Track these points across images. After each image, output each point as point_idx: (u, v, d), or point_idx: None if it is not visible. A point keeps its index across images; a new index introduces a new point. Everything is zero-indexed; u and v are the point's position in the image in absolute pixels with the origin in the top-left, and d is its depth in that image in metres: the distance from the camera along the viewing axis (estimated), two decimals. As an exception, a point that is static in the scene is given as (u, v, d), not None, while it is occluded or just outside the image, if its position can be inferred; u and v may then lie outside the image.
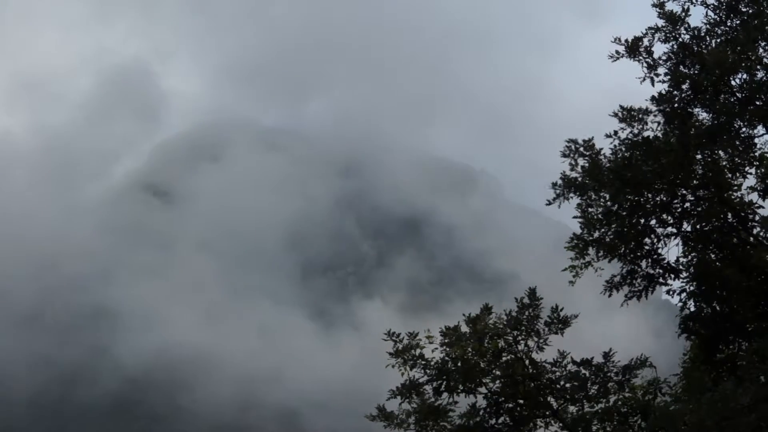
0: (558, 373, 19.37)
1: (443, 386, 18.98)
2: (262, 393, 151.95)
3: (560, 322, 19.46)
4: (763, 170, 20.03)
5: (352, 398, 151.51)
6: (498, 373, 19.17)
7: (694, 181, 20.39)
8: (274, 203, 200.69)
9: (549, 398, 19.37)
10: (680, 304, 20.56)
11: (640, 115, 20.62)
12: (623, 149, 20.43)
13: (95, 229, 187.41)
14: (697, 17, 21.09)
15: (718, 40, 20.66)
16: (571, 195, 20.63)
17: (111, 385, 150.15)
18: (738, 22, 20.61)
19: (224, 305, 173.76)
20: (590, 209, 20.57)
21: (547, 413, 19.31)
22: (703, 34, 20.77)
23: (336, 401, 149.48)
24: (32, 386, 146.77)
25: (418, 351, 19.30)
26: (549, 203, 20.83)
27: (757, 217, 20.12)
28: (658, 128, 20.58)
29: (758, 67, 20.33)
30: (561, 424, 19.29)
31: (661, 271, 20.78)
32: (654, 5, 20.97)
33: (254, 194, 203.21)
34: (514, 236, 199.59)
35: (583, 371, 19.38)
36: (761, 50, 20.45)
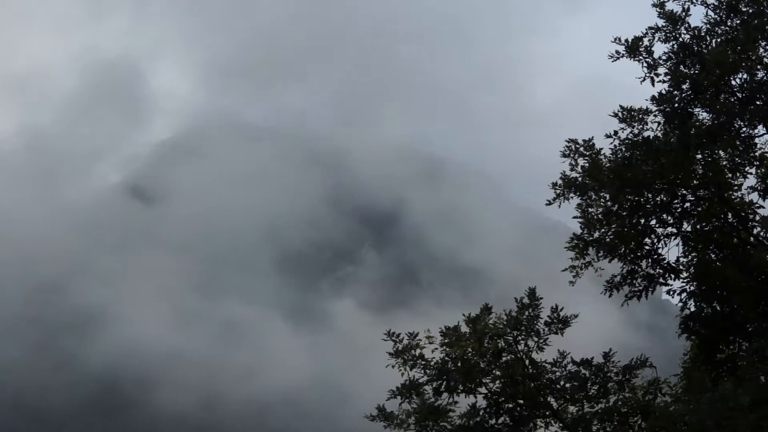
0: (558, 373, 19.36)
1: (443, 386, 18.97)
2: (232, 390, 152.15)
3: (560, 322, 19.45)
4: (763, 170, 20.04)
5: (322, 394, 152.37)
6: (498, 373, 19.15)
7: (694, 181, 20.39)
8: (252, 200, 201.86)
9: (549, 398, 19.35)
10: (680, 304, 20.57)
11: (640, 115, 20.63)
12: (623, 149, 20.43)
13: (76, 229, 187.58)
14: (698, 17, 21.12)
15: (719, 40, 20.65)
16: (571, 195, 20.63)
17: (87, 385, 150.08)
18: (738, 21, 20.61)
19: (197, 304, 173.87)
20: (590, 209, 20.57)
21: (547, 413, 19.29)
22: (703, 34, 20.76)
23: (306, 397, 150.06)
24: (13, 389, 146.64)
25: (418, 351, 19.29)
26: (549, 203, 20.83)
27: (757, 217, 20.12)
28: (658, 128, 20.59)
29: (758, 66, 20.33)
30: (561, 424, 19.28)
31: (661, 271, 20.78)
32: (654, 5, 20.99)
33: (234, 192, 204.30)
34: (485, 227, 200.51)
35: (583, 371, 19.37)
36: (761, 50, 20.45)
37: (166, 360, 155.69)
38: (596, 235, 20.57)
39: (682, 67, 20.70)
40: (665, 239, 20.65)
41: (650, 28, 20.91)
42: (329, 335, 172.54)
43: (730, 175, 20.45)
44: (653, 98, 20.52)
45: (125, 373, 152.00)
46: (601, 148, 20.56)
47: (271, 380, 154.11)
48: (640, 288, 20.88)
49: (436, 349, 19.27)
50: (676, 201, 20.54)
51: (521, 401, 19.22)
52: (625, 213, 20.42)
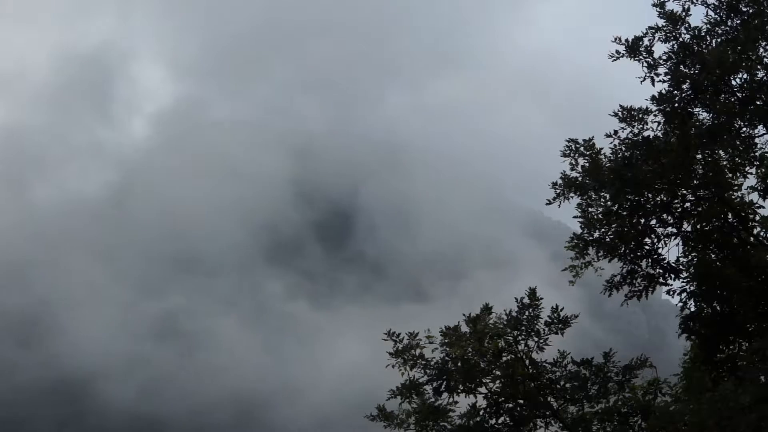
0: (558, 373, 19.36)
1: (443, 386, 18.96)
2: (171, 391, 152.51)
3: (560, 322, 19.45)
4: (763, 170, 20.03)
5: (272, 391, 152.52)
6: (498, 373, 19.15)
7: (694, 181, 20.38)
8: (222, 197, 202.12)
9: (549, 398, 19.35)
10: (680, 304, 20.56)
11: (640, 115, 20.62)
12: (623, 149, 20.43)
13: (42, 233, 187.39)
14: (698, 17, 21.12)
15: (719, 40, 20.65)
16: (571, 195, 20.63)
17: (42, 384, 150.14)
18: (738, 21, 20.61)
19: (146, 302, 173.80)
20: (590, 209, 20.56)
21: (547, 413, 19.29)
22: (703, 34, 20.76)
23: (256, 393, 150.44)
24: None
25: (418, 351, 19.28)
26: (549, 203, 20.83)
27: (757, 217, 20.12)
28: (658, 128, 20.60)
29: (759, 66, 20.33)
30: (561, 424, 19.28)
31: (661, 271, 20.78)
32: (654, 5, 20.98)
33: (201, 189, 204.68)
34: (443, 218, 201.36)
35: (583, 371, 19.38)
36: (761, 50, 20.45)
37: (115, 360, 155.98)
38: (596, 235, 20.57)
39: (682, 67, 20.70)
40: (665, 239, 20.65)
41: (650, 28, 20.90)
42: (282, 332, 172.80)
43: (730, 175, 20.45)
44: (653, 98, 20.51)
45: (74, 374, 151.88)
46: (601, 148, 20.57)
47: (219, 380, 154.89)
48: (640, 288, 20.88)
49: (436, 349, 19.27)
50: (676, 201, 20.54)
51: (521, 401, 19.22)
52: (625, 213, 20.41)
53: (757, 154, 20.36)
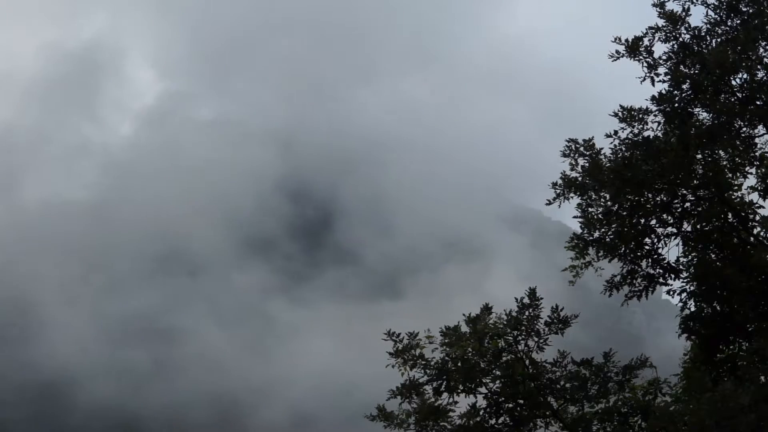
0: (558, 373, 19.37)
1: (443, 386, 18.97)
2: (149, 390, 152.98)
3: (560, 322, 19.47)
4: (763, 170, 20.03)
5: (245, 392, 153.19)
6: (498, 373, 19.15)
7: (694, 181, 20.38)
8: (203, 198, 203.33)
9: (549, 398, 19.36)
10: (680, 304, 20.56)
11: (640, 115, 20.62)
12: (623, 149, 20.43)
13: (26, 233, 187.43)
14: (698, 17, 21.12)
15: (719, 40, 20.65)
16: (571, 195, 20.63)
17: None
18: (738, 21, 20.61)
19: (119, 305, 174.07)
20: (590, 209, 20.56)
21: (547, 413, 19.30)
22: (703, 34, 20.76)
23: (230, 395, 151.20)
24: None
25: (418, 351, 19.29)
26: (549, 203, 20.84)
27: (757, 217, 20.12)
28: (658, 128, 20.60)
29: (759, 66, 20.33)
30: (561, 424, 19.29)
31: (661, 271, 20.77)
32: (654, 5, 20.98)
33: (184, 187, 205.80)
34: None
35: (583, 371, 19.39)
36: (762, 50, 20.45)
37: (94, 359, 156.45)
38: (596, 235, 20.57)
39: (682, 67, 20.70)
40: (665, 239, 20.64)
41: (650, 28, 20.90)
42: (260, 329, 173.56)
43: (730, 175, 20.44)
44: (653, 98, 20.51)
45: (53, 374, 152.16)
46: (602, 148, 20.57)
47: (201, 376, 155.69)
48: (640, 288, 20.87)
49: (436, 349, 19.27)
50: (676, 201, 20.54)
51: (521, 401, 19.22)
52: (625, 213, 20.41)
53: (757, 154, 20.36)
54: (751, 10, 20.52)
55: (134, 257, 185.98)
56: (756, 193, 20.22)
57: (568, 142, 20.69)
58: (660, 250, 20.72)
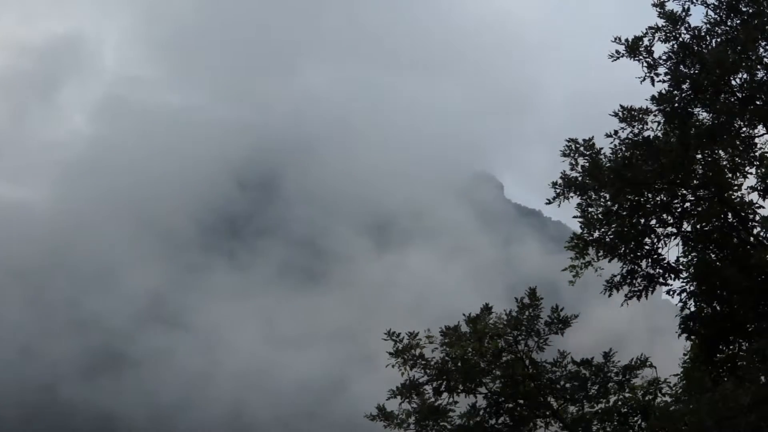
0: (558, 373, 19.38)
1: (443, 386, 18.98)
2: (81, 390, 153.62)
3: (560, 322, 19.47)
4: (763, 170, 20.02)
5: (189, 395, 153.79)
6: (498, 373, 19.16)
7: (694, 181, 20.38)
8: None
9: (549, 398, 19.36)
10: (680, 304, 20.55)
11: (640, 115, 20.62)
12: (623, 149, 20.43)
13: None
14: (698, 17, 21.11)
15: (719, 40, 20.65)
16: (571, 195, 20.62)
17: None
18: (738, 21, 20.60)
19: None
20: (590, 209, 20.56)
21: (547, 413, 19.30)
22: (703, 34, 20.76)
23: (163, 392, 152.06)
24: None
25: (418, 351, 19.29)
26: (549, 202, 20.84)
27: (757, 217, 20.11)
28: (658, 128, 20.59)
29: (758, 66, 20.33)
30: (561, 424, 19.29)
31: (661, 271, 20.77)
32: (654, 5, 20.98)
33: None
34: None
35: (583, 371, 19.39)
36: (761, 50, 20.45)
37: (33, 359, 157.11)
38: (596, 235, 20.57)
39: (682, 67, 20.69)
40: (665, 239, 20.64)
41: (650, 28, 20.90)
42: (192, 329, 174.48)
43: (730, 175, 20.44)
44: (653, 98, 20.51)
45: None
46: (601, 148, 20.57)
47: (139, 380, 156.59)
48: (640, 288, 20.87)
49: (436, 348, 19.27)
50: (676, 201, 20.53)
51: (521, 401, 19.23)
52: (625, 213, 20.42)
53: (757, 154, 20.36)
54: (751, 10, 20.51)
55: (93, 252, 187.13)
56: (756, 193, 20.21)
57: (568, 142, 20.69)
58: (660, 250, 20.72)
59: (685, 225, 20.61)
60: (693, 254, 20.63)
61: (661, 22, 20.86)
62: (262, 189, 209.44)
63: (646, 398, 19.43)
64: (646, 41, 20.93)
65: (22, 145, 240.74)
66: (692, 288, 20.49)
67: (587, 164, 20.54)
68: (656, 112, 20.58)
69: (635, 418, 19.27)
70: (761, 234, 20.09)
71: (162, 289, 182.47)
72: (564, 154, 20.72)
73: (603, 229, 20.56)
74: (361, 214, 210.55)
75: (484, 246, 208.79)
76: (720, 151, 20.43)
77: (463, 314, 19.33)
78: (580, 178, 20.55)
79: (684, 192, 20.52)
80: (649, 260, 20.75)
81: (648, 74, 20.85)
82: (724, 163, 20.48)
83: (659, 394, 19.63)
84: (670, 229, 20.63)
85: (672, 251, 20.69)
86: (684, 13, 20.83)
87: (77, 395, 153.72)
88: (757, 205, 20.18)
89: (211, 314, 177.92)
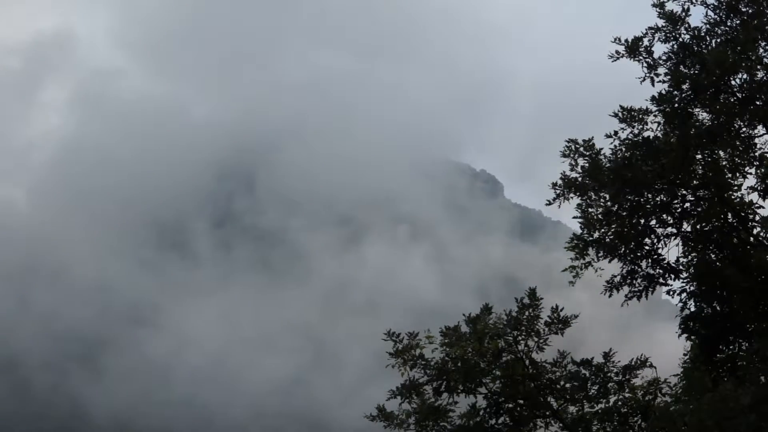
0: (558, 373, 19.37)
1: (443, 386, 18.97)
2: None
3: (560, 322, 19.46)
4: (763, 170, 20.03)
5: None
6: (498, 373, 19.16)
7: (694, 181, 20.38)
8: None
9: (549, 398, 19.36)
10: (680, 304, 20.55)
11: (640, 115, 20.62)
12: (623, 149, 20.43)
13: None
14: (697, 17, 21.11)
15: (719, 40, 20.65)
16: (571, 195, 20.62)
17: None
18: (738, 22, 20.60)
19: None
20: (590, 209, 20.56)
21: (547, 413, 19.30)
22: (703, 34, 20.76)
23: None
24: None
25: (417, 351, 19.29)
26: (549, 203, 20.84)
27: (757, 217, 20.11)
28: (658, 128, 20.59)
29: (758, 67, 20.32)
30: (561, 425, 19.29)
31: (661, 271, 20.76)
32: (654, 5, 20.98)
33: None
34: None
35: (583, 371, 19.39)
36: (761, 50, 20.45)
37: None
38: (596, 235, 20.56)
39: (682, 67, 20.69)
40: (665, 239, 20.64)
41: (650, 28, 20.90)
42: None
43: (729, 175, 20.44)
44: (653, 98, 20.51)
45: None
46: (601, 148, 20.58)
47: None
48: (640, 288, 20.86)
49: (436, 349, 19.27)
50: (676, 201, 20.53)
51: (521, 401, 19.23)
52: (625, 213, 20.41)
53: (757, 154, 20.36)
54: (750, 10, 20.51)
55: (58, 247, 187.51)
56: (756, 193, 20.21)
57: (568, 142, 20.70)
58: (660, 251, 20.71)
59: (685, 225, 20.60)
60: (693, 254, 20.62)
61: (661, 23, 20.88)
62: (227, 184, 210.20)
63: (646, 398, 19.41)
64: (646, 41, 20.95)
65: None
66: (692, 288, 20.49)
67: (587, 165, 20.55)
68: (656, 112, 20.58)
69: (635, 418, 19.26)
70: (761, 234, 20.10)
71: (120, 285, 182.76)
72: (564, 155, 20.72)
73: (603, 230, 20.56)
74: (327, 207, 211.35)
75: (452, 238, 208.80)
76: (720, 152, 20.44)
77: (463, 314, 19.33)
78: (580, 179, 20.55)
79: (684, 192, 20.52)
80: (649, 260, 20.74)
81: (648, 74, 20.86)
82: (724, 163, 20.49)
83: (659, 394, 19.62)
84: (670, 229, 20.63)
85: (672, 251, 20.71)
86: (684, 14, 20.83)
87: (40, 393, 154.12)
88: (757, 205, 20.19)
89: (173, 311, 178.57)
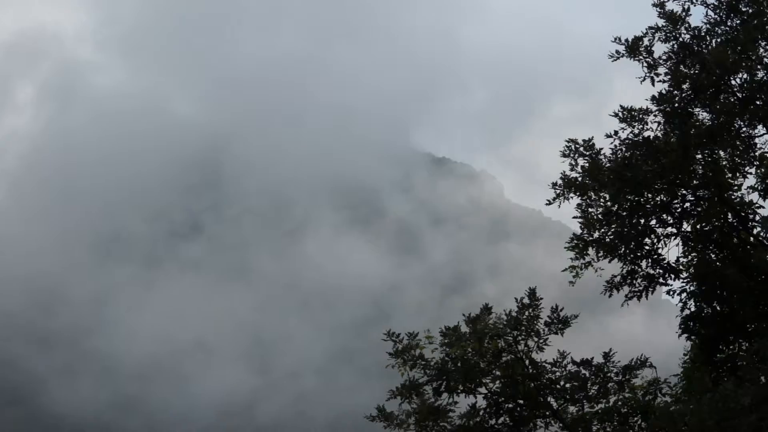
0: (558, 373, 19.35)
1: (443, 386, 18.95)
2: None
3: (560, 322, 19.44)
4: (763, 170, 20.03)
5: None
6: (498, 373, 19.14)
7: (694, 181, 20.39)
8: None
9: (549, 398, 19.35)
10: (680, 304, 20.55)
11: (640, 115, 20.62)
12: (623, 149, 20.43)
13: None
14: (698, 17, 21.15)
15: (719, 40, 20.65)
16: (571, 195, 20.62)
17: None
18: (738, 21, 20.61)
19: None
20: (590, 209, 20.56)
21: (547, 413, 19.29)
22: (703, 34, 20.76)
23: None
24: None
25: (417, 351, 19.27)
26: (549, 203, 20.84)
27: (757, 217, 20.12)
28: (658, 128, 20.60)
29: (758, 66, 20.33)
30: (561, 425, 19.27)
31: (661, 271, 20.76)
32: (654, 5, 21.00)
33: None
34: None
35: (583, 371, 19.37)
36: (761, 50, 20.45)
37: None
38: (596, 235, 20.55)
39: (682, 67, 20.70)
40: (665, 239, 20.63)
41: (650, 28, 20.91)
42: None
43: (729, 175, 20.45)
44: (653, 98, 20.52)
45: None
46: (601, 148, 20.59)
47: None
48: (640, 288, 20.86)
49: (436, 349, 19.25)
50: (676, 201, 20.53)
51: (521, 401, 19.21)
52: (625, 213, 20.41)
53: (757, 154, 20.37)
54: (751, 10, 20.52)
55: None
56: (756, 193, 20.22)
57: (568, 142, 20.69)
58: (660, 250, 20.71)
59: (685, 225, 20.60)
60: (693, 254, 20.63)
61: (661, 22, 20.88)
62: (182, 179, 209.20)
63: (646, 398, 19.40)
64: (646, 41, 20.95)
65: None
66: (692, 288, 20.50)
67: (587, 165, 20.54)
68: (656, 112, 20.59)
69: (635, 419, 19.25)
70: (761, 234, 20.11)
71: (68, 281, 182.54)
72: (564, 155, 20.72)
73: (603, 230, 20.56)
74: (281, 198, 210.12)
75: (412, 224, 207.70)
76: (720, 151, 20.45)
77: (463, 314, 19.32)
78: (579, 179, 20.55)
79: (684, 192, 20.53)
80: (649, 260, 20.74)
81: (648, 74, 20.87)
82: (724, 163, 20.50)
83: (659, 395, 19.60)
84: (670, 229, 20.63)
85: (672, 251, 20.72)
86: (684, 13, 20.84)
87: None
88: (757, 205, 20.21)
89: (119, 308, 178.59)
